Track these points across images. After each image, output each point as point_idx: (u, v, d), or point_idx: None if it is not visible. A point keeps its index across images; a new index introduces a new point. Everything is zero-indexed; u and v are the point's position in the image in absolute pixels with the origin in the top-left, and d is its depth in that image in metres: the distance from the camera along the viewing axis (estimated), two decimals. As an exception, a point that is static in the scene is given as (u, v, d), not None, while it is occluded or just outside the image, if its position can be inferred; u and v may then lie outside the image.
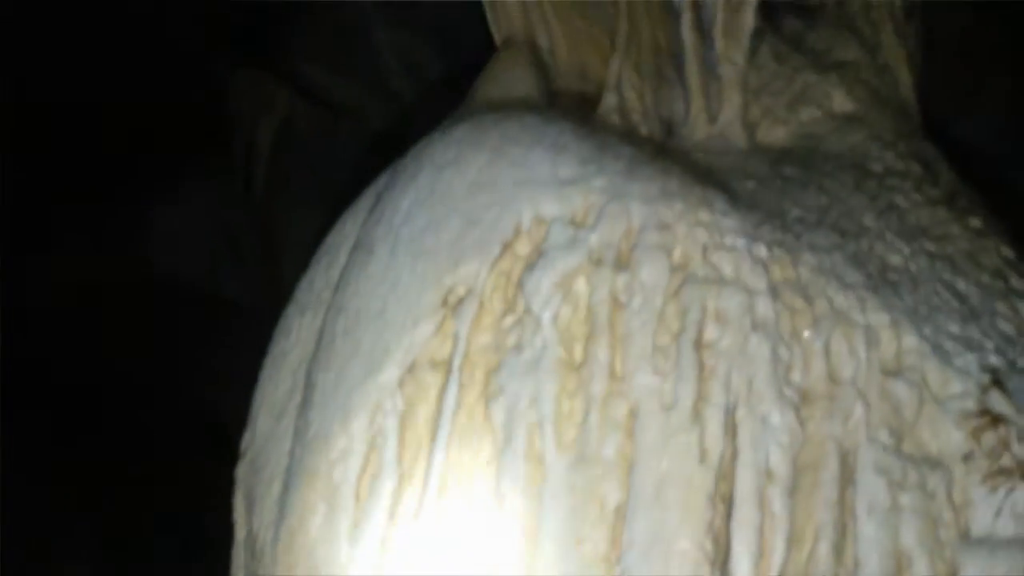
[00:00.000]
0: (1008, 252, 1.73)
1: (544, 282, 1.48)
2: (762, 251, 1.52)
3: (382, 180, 1.80)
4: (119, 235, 3.77)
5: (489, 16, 2.27)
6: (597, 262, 1.48)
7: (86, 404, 3.78)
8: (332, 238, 1.79)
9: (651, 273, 1.47)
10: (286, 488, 1.51)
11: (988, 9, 3.01)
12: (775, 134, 1.96)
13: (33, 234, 3.43)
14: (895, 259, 1.61)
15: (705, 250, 1.50)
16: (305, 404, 1.55)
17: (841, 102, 1.99)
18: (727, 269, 1.48)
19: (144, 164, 3.60)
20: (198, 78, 3.46)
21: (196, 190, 3.69)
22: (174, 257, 3.82)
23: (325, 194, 3.57)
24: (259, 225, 3.62)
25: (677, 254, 1.50)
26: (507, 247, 1.51)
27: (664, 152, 1.79)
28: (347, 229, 1.76)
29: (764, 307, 1.45)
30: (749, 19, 2.00)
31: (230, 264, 3.81)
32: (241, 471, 1.74)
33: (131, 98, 3.48)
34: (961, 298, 1.60)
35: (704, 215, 1.54)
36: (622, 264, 1.48)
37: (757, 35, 2.08)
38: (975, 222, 1.76)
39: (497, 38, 2.27)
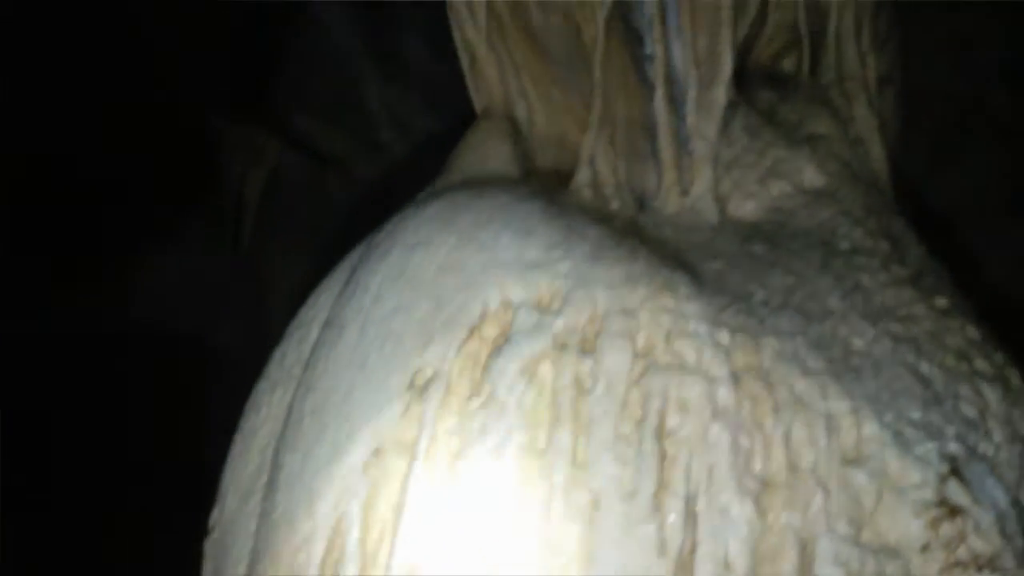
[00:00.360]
0: (973, 333, 1.75)
1: (510, 366, 1.50)
2: (725, 337, 1.54)
3: (356, 254, 1.83)
4: (107, 284, 3.79)
5: (469, 85, 2.32)
6: (562, 347, 1.50)
7: (70, 453, 3.79)
8: (305, 312, 1.82)
9: (615, 360, 1.49)
10: (251, 570, 1.52)
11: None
12: (746, 208, 1.99)
13: (18, 284, 3.45)
14: (858, 342, 1.63)
15: (668, 336, 1.52)
16: (271, 485, 1.56)
17: (812, 177, 2.02)
18: (689, 356, 1.50)
19: (132, 214, 3.63)
20: (188, 129, 3.50)
21: (185, 240, 3.71)
22: (162, 306, 3.83)
23: (313, 245, 3.62)
24: (248, 275, 3.65)
25: (641, 340, 1.52)
26: (474, 330, 1.53)
27: (633, 231, 1.81)
28: (320, 303, 1.78)
29: (725, 395, 1.47)
30: (721, 96, 2.03)
31: (219, 313, 3.83)
32: (209, 547, 1.74)
33: (119, 148, 3.52)
34: (924, 382, 1.61)
35: (668, 300, 1.56)
36: (586, 350, 1.50)
37: (730, 107, 2.11)
38: (941, 302, 1.78)
39: (477, 106, 2.32)
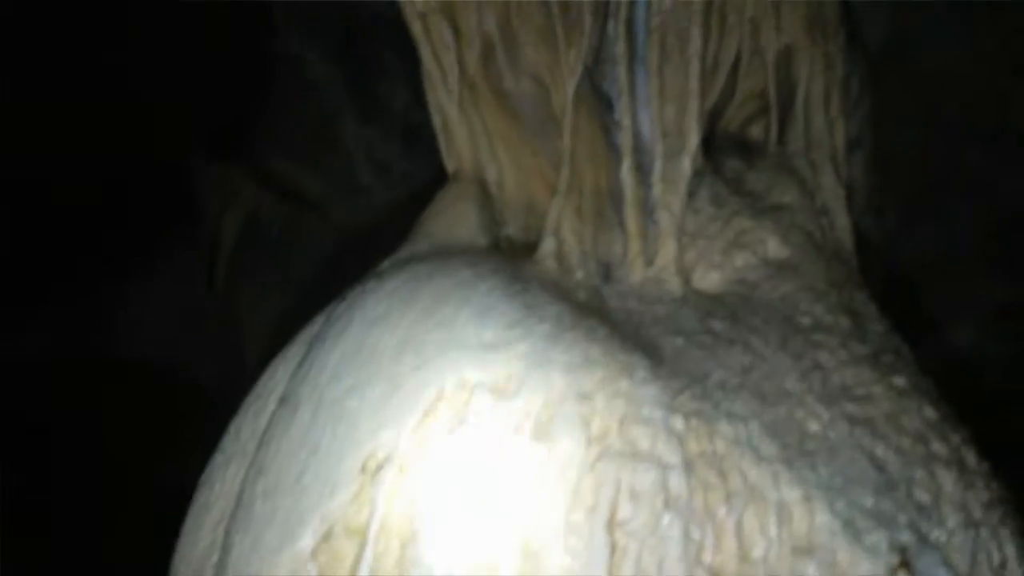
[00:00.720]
0: (931, 413, 1.76)
1: (465, 448, 1.50)
2: (679, 423, 1.54)
3: (317, 324, 1.83)
4: (81, 315, 3.78)
5: (441, 146, 2.33)
6: (517, 431, 1.50)
7: (43, 483, 3.76)
8: (264, 383, 1.82)
9: (568, 445, 1.49)
10: (198, 654, 1.51)
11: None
12: (709, 279, 2.00)
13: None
14: (814, 426, 1.63)
15: (623, 422, 1.52)
16: (221, 565, 1.55)
17: (776, 248, 2.03)
18: (643, 443, 1.51)
19: (108, 253, 3.63)
20: (166, 169, 3.51)
21: (160, 278, 3.71)
22: (136, 342, 3.82)
23: (290, 287, 3.62)
24: (223, 316, 3.64)
25: (595, 426, 1.52)
26: (429, 412, 1.53)
27: (595, 305, 1.82)
28: (278, 375, 1.78)
29: (677, 484, 1.47)
30: (687, 167, 2.05)
31: (193, 352, 3.82)
32: (160, 623, 1.73)
33: (97, 184, 3.52)
34: (879, 466, 1.62)
35: (624, 384, 1.56)
36: (541, 434, 1.50)
37: (697, 177, 2.13)
38: (899, 381, 1.79)
39: (449, 167, 2.33)
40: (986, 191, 3.05)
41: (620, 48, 2.11)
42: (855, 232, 2.75)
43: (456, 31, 2.22)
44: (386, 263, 1.95)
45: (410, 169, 3.53)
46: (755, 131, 2.35)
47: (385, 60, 3.37)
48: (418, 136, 3.45)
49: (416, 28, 2.22)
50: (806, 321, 1.87)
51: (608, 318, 1.79)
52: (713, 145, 2.32)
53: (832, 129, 2.29)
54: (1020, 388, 3.20)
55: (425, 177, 2.83)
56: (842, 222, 2.20)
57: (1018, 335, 3.19)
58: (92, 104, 3.44)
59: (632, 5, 2.15)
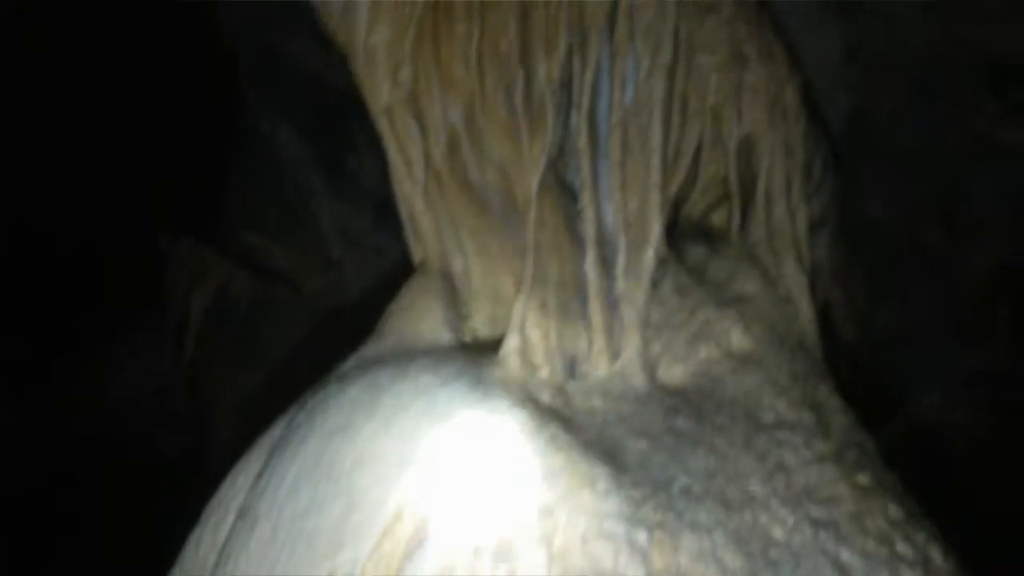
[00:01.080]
0: (895, 512, 1.76)
1: (424, 570, 1.48)
2: (642, 537, 1.53)
3: (278, 428, 1.81)
4: (50, 395, 3.74)
5: (407, 236, 2.33)
6: (477, 552, 1.48)
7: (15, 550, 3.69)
8: (224, 491, 1.79)
9: (530, 565, 1.47)
10: None
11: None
12: (674, 373, 2.00)
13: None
14: (778, 532, 1.63)
15: (584, 539, 1.51)
16: None
17: (739, 340, 2.04)
18: (606, 560, 1.49)
19: (77, 328, 3.61)
20: (136, 245, 3.50)
21: (129, 353, 3.68)
22: (106, 419, 3.78)
23: (260, 361, 3.59)
24: (193, 391, 3.61)
25: (557, 543, 1.50)
26: (388, 531, 1.51)
27: (557, 409, 1.81)
28: (239, 483, 1.75)
29: (641, 602, 1.46)
30: (651, 260, 2.07)
31: (163, 427, 3.77)
32: None
33: (66, 260, 3.51)
34: (844, 572, 1.61)
35: (586, 496, 1.55)
36: (502, 555, 1.48)
37: (661, 266, 2.15)
38: (863, 479, 1.79)
39: (415, 257, 2.33)
40: (948, 265, 3.10)
41: (583, 142, 2.14)
42: (823, 304, 2.79)
43: (421, 124, 2.25)
44: (349, 362, 1.94)
45: (382, 242, 3.54)
46: (718, 218, 2.38)
47: (356, 137, 3.40)
48: (389, 210, 3.47)
49: (382, 122, 2.24)
50: (770, 418, 1.87)
51: (572, 420, 1.78)
52: (676, 232, 2.34)
53: (794, 216, 2.32)
54: (987, 454, 3.22)
55: (397, 250, 2.83)
56: (805, 310, 2.21)
57: (985, 403, 3.22)
58: (63, 182, 3.45)
59: (594, 99, 2.18)
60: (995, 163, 2.83)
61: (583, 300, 2.09)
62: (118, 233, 3.45)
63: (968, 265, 3.06)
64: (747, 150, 2.34)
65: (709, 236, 2.32)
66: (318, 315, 3.54)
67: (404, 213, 2.32)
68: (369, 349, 2.01)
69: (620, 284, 2.06)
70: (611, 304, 2.06)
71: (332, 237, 3.57)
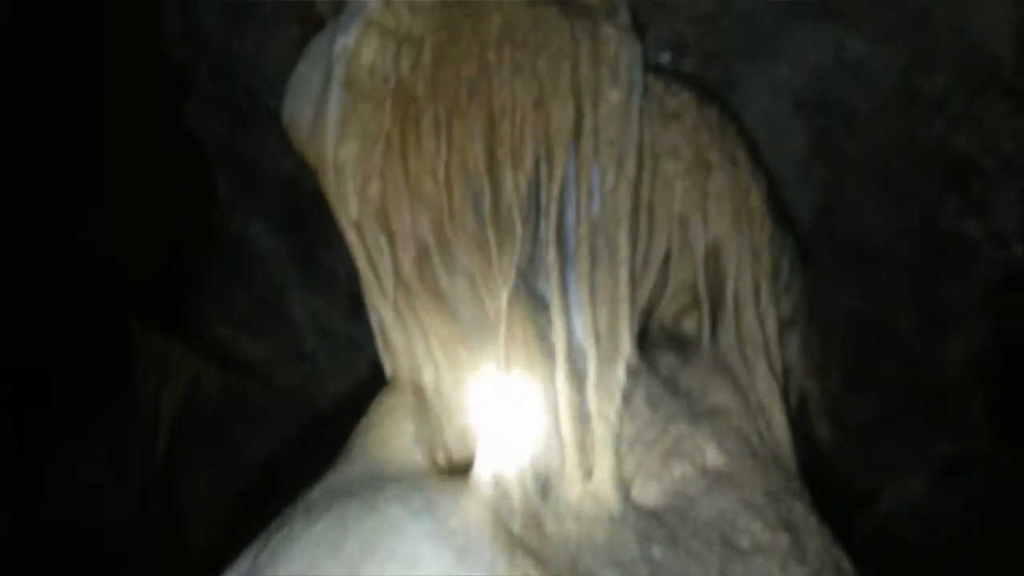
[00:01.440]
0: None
1: None
2: None
3: (244, 564, 1.76)
4: (21, 489, 3.66)
5: (379, 348, 2.31)
6: None
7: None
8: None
9: None
10: None
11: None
12: (648, 491, 1.98)
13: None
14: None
15: None
16: None
17: (713, 457, 2.03)
18: None
19: (48, 422, 3.55)
20: (107, 340, 3.46)
21: (101, 451, 3.61)
22: (76, 514, 3.69)
23: (232, 456, 3.53)
24: (164, 491, 3.53)
25: None
26: None
27: (529, 539, 1.78)
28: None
29: None
30: (622, 374, 2.06)
31: (133, 522, 3.68)
32: None
33: (38, 359, 3.46)
34: None
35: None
36: None
37: (632, 377, 2.13)
38: (841, 605, 1.76)
39: (387, 369, 2.31)
40: (922, 354, 3.12)
41: (551, 255, 2.14)
42: (798, 397, 2.79)
43: (390, 236, 2.24)
44: (315, 491, 1.90)
45: (356, 335, 3.51)
46: (688, 324, 2.38)
47: (330, 230, 3.39)
48: (364, 302, 3.46)
49: (350, 235, 2.24)
50: (745, 543, 1.85)
51: (545, 551, 1.74)
52: (647, 339, 2.34)
53: (763, 322, 2.33)
54: (965, 542, 3.21)
55: (372, 343, 2.81)
56: (778, 421, 2.21)
57: (962, 491, 3.22)
58: (35, 276, 3.41)
59: (561, 211, 2.19)
60: (962, 256, 2.87)
61: (555, 417, 2.07)
62: (88, 328, 3.40)
63: (941, 353, 3.09)
64: (714, 256, 2.36)
65: (680, 343, 2.32)
66: (292, 409, 3.49)
67: (375, 323, 2.30)
68: (337, 475, 1.97)
69: (592, 400, 2.05)
70: (583, 420, 2.04)
71: (306, 329, 3.54)
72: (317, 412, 3.44)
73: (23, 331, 3.42)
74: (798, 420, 2.72)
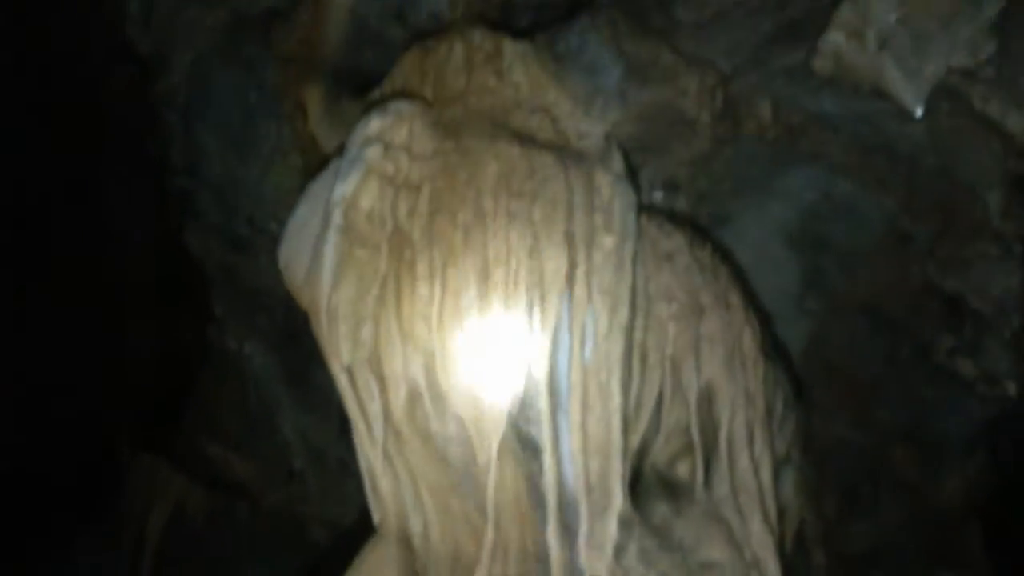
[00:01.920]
0: None
1: None
2: None
3: None
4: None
5: (367, 495, 2.28)
6: None
7: None
8: None
9: None
10: None
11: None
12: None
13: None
14: None
15: None
16: None
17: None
18: None
19: (30, 547, 3.46)
20: (92, 462, 3.42)
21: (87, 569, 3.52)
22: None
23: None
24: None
25: None
26: None
27: None
28: None
29: None
30: (613, 528, 2.03)
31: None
32: None
33: (22, 480, 3.41)
34: None
35: None
36: None
37: (625, 529, 2.10)
38: None
39: (375, 517, 2.27)
40: (918, 485, 3.08)
41: (543, 403, 2.12)
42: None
43: (381, 379, 2.22)
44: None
45: (345, 454, 3.47)
46: (682, 468, 2.35)
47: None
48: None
49: (341, 380, 2.23)
50: None
51: None
52: (641, 485, 2.31)
53: (758, 468, 2.30)
54: None
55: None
56: (772, 571, 2.16)
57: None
58: (23, 399, 3.39)
59: (554, 356, 2.19)
60: (955, 392, 2.87)
61: (545, 571, 2.03)
62: (76, 448, 3.36)
63: (938, 485, 3.05)
64: (708, 399, 2.35)
65: (674, 490, 2.29)
66: (279, 529, 3.42)
67: (363, 467, 2.27)
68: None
69: (583, 555, 2.01)
70: (575, 574, 2.00)
71: (295, 448, 3.50)
72: (307, 541, 3.37)
73: (3, 456, 3.36)
74: (795, 551, 2.67)
